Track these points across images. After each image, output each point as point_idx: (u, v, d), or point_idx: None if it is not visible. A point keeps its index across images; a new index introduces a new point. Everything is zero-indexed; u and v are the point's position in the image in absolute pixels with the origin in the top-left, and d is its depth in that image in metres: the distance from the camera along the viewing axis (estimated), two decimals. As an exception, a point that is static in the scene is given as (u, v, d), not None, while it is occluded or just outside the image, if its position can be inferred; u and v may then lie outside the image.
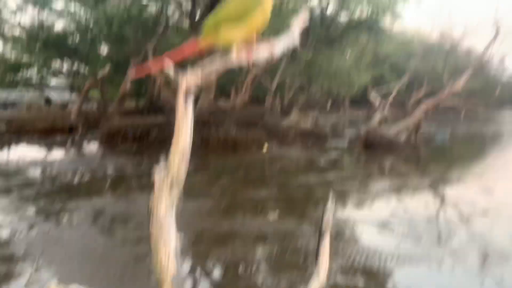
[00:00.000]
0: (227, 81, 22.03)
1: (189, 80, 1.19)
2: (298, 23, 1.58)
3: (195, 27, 13.03)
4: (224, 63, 1.24)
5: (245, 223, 5.23)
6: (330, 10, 15.66)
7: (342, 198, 6.92)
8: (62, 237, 4.61)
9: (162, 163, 1.20)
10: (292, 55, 15.06)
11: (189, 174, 5.82)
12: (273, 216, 5.96)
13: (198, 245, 4.52)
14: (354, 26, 14.68)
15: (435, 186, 8.17)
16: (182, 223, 4.30)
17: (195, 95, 1.32)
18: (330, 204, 1.55)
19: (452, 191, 7.66)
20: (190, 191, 7.34)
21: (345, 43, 15.80)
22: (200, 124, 12.72)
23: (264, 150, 12.35)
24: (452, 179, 9.06)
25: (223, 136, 12.30)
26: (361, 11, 13.60)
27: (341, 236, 4.91)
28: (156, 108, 16.92)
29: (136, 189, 7.29)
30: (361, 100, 36.91)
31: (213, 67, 1.24)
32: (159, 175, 1.17)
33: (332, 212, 1.51)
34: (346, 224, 5.42)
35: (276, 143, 13.66)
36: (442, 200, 7.10)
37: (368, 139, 12.91)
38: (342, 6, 13.32)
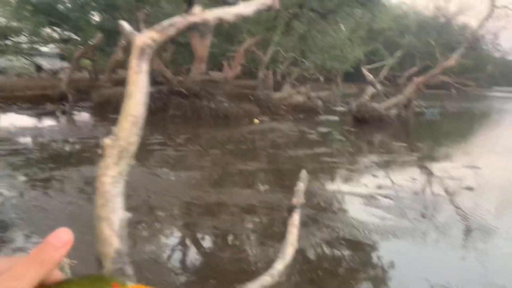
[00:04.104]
0: (220, 53, 21.79)
1: (145, 38, 1.07)
2: None
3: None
4: (185, 20, 1.13)
5: (234, 194, 5.30)
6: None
7: (331, 171, 7.01)
8: (50, 204, 4.65)
9: (114, 130, 1.11)
10: (286, 27, 14.87)
11: (180, 145, 5.86)
12: (262, 188, 6.04)
13: (188, 215, 4.59)
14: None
15: (423, 161, 8.30)
16: (173, 193, 4.33)
17: (151, 55, 1.14)
18: (302, 180, 1.50)
19: (439, 167, 7.78)
20: (181, 162, 7.37)
21: (340, 16, 15.61)
22: (192, 96, 12.66)
23: (256, 122, 12.37)
24: (440, 155, 9.19)
25: (214, 108, 12.26)
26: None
27: (328, 208, 5.02)
28: (148, 79, 16.74)
29: (126, 159, 7.30)
30: (354, 75, 36.81)
31: (175, 25, 1.12)
32: (109, 142, 1.09)
33: (303, 189, 1.44)
34: (334, 197, 5.52)
35: (268, 116, 13.67)
36: (429, 175, 7.22)
37: (359, 114, 12.97)
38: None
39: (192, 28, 1.17)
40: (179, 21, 1.12)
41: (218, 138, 10.09)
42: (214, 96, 13.21)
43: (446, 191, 6.08)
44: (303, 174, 1.49)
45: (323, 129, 12.09)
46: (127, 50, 16.13)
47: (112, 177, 1.03)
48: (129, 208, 4.44)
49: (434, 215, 4.90)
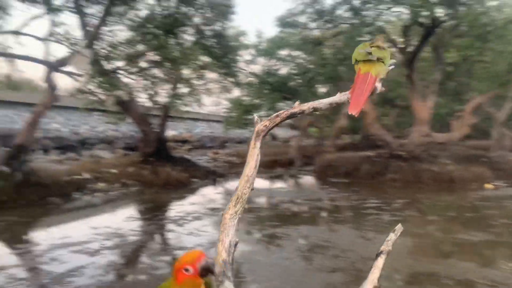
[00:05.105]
0: (447, 113, 20.55)
1: (260, 125, 1.64)
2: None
3: (406, 60, 12.84)
4: (287, 112, 1.64)
5: (449, 266, 4.88)
6: None
7: None
8: (270, 258, 5.25)
9: (236, 185, 1.63)
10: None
11: (396, 210, 5.88)
12: (485, 262, 5.35)
13: (395, 282, 4.47)
14: None
15: None
16: (390, 260, 4.40)
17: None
18: (396, 231, 1.63)
19: None
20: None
21: None
22: (412, 159, 12.29)
23: (488, 187, 11.02)
24: None
25: (437, 171, 11.54)
26: None
27: None
28: (370, 143, 17.10)
29: (340, 221, 7.60)
30: None
31: (279, 115, 1.64)
32: (234, 194, 1.62)
33: (393, 240, 1.60)
34: None
35: (504, 181, 11.99)
36: None
37: None
38: None
39: (292, 117, 1.63)
40: (283, 112, 1.64)
41: (439, 204, 9.42)
42: (436, 159, 12.49)
43: None
44: (398, 226, 1.66)
45: None
46: (350, 116, 17.01)
47: (231, 214, 1.60)
48: (335, 268, 4.65)
49: None
